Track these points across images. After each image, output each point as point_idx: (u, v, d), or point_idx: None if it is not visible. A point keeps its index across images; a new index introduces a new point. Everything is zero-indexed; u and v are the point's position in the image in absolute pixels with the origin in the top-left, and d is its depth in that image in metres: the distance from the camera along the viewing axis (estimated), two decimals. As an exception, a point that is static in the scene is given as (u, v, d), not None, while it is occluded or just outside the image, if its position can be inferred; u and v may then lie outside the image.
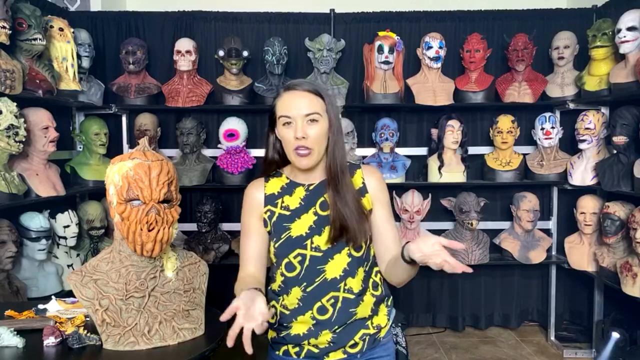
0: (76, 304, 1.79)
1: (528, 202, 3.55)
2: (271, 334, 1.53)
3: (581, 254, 3.39)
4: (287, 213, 1.48)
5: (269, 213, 1.50)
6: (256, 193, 1.54)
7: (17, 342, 1.52)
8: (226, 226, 3.82)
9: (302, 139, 1.40)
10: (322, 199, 1.47)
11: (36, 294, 2.74)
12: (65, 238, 2.98)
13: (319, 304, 1.44)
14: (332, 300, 1.44)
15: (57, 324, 1.62)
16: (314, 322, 1.44)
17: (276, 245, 1.48)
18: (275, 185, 1.53)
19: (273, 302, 1.51)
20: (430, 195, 3.61)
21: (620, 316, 3.22)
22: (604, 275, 3.16)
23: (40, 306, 1.80)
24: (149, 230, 1.46)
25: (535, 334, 3.95)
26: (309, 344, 1.46)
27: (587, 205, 3.29)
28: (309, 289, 1.44)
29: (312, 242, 1.45)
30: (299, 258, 1.45)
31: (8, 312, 1.75)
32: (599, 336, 3.30)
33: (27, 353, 1.50)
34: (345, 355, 1.46)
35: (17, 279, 2.63)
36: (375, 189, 1.51)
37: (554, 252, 3.78)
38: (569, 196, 3.61)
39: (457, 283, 4.00)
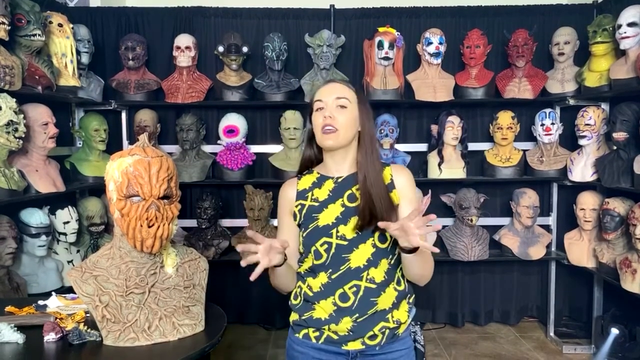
0: (76, 300, 1.79)
1: (528, 198, 3.56)
2: (293, 317, 1.57)
3: (581, 250, 3.39)
4: (316, 204, 1.55)
5: (299, 206, 1.57)
6: (289, 191, 1.61)
7: (18, 338, 1.52)
8: (226, 222, 3.82)
9: (329, 118, 1.49)
10: (349, 191, 1.54)
11: (36, 290, 2.74)
12: (65, 234, 2.98)
13: (340, 290, 1.48)
14: (354, 289, 1.48)
15: (58, 320, 1.63)
16: (335, 308, 1.48)
17: (304, 235, 1.53)
18: (307, 181, 1.61)
19: (299, 283, 1.57)
20: (430, 191, 3.60)
21: (620, 312, 3.23)
22: (603, 271, 3.17)
23: (41, 302, 1.81)
24: (149, 227, 1.46)
25: (534, 329, 3.96)
26: (329, 329, 1.49)
27: (587, 202, 3.29)
28: (334, 276, 1.49)
29: (337, 231, 1.50)
30: (325, 246, 1.50)
31: (8, 308, 1.75)
32: (598, 332, 3.31)
33: (27, 349, 1.50)
34: (364, 347, 1.49)
35: (17, 275, 2.63)
36: (403, 185, 1.57)
37: (553, 248, 3.79)
38: (569, 192, 3.61)
39: (456, 279, 4.01)
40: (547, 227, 3.80)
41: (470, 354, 3.51)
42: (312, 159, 1.64)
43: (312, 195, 1.57)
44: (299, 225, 1.57)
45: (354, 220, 1.48)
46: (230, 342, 3.61)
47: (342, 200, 1.53)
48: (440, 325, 4.01)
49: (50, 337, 1.52)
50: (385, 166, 1.58)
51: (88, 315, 1.66)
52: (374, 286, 1.48)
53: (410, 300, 1.58)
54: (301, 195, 1.58)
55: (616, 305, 3.29)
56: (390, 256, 1.51)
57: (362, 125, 1.55)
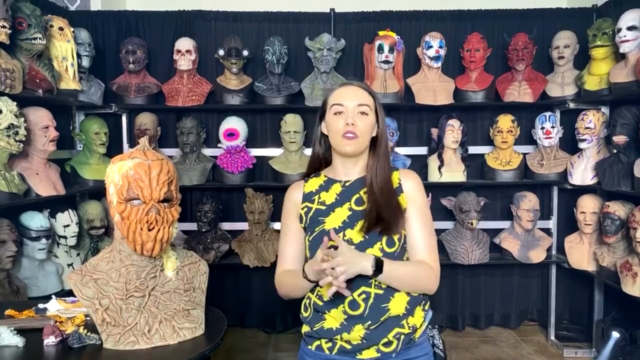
0: (76, 303, 1.79)
1: (528, 202, 3.55)
2: (305, 328, 1.55)
3: (581, 254, 3.39)
4: (323, 207, 1.53)
5: (305, 209, 1.55)
6: (295, 194, 1.59)
7: (17, 341, 1.52)
8: (226, 226, 3.82)
9: (351, 125, 1.47)
10: (357, 195, 1.52)
11: (36, 293, 2.74)
12: (65, 237, 2.98)
13: (350, 298, 1.44)
14: (364, 295, 1.44)
15: (57, 323, 1.63)
16: (346, 316, 1.45)
17: (310, 239, 1.52)
18: (314, 184, 1.59)
19: (308, 294, 1.54)
20: (430, 194, 3.60)
21: (620, 315, 3.22)
22: (604, 274, 3.16)
23: (41, 305, 1.80)
24: (149, 230, 1.46)
25: (535, 333, 3.95)
26: (341, 339, 1.46)
27: (587, 205, 3.29)
28: None
29: (344, 235, 1.47)
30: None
31: (8, 312, 1.75)
32: (599, 335, 3.30)
33: (27, 352, 1.50)
34: (379, 354, 1.45)
35: (17, 279, 2.63)
36: (411, 190, 1.56)
37: (554, 252, 3.78)
38: (569, 196, 3.61)
39: (457, 282, 4.00)
40: (547, 231, 3.80)
41: (471, 358, 3.50)
42: (321, 159, 1.63)
43: (319, 198, 1.55)
44: (304, 229, 1.55)
45: (360, 224, 1.47)
46: (230, 345, 3.60)
47: (350, 204, 1.51)
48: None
49: (50, 341, 1.52)
50: (393, 170, 1.57)
51: (88, 318, 1.66)
52: (381, 291, 1.45)
53: (426, 307, 1.56)
54: (307, 197, 1.57)
55: (617, 309, 3.29)
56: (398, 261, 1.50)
57: (379, 131, 1.54)
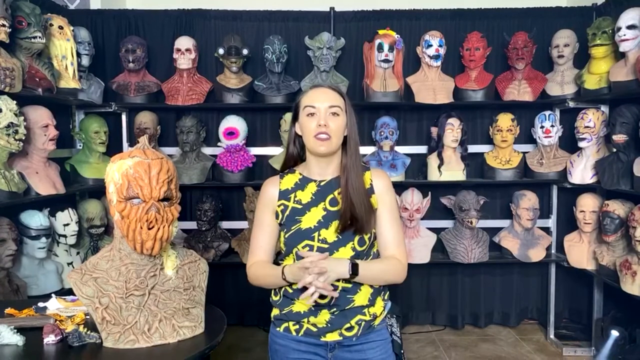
0: (76, 302, 1.79)
1: (528, 201, 3.56)
2: (274, 312, 1.64)
3: (581, 252, 3.39)
4: (299, 207, 1.59)
5: (282, 207, 1.61)
6: (271, 189, 1.64)
7: (17, 340, 1.52)
8: (226, 224, 3.82)
9: (323, 127, 1.53)
10: (331, 195, 1.59)
11: (36, 292, 2.74)
12: (65, 236, 2.98)
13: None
14: (332, 287, 1.50)
15: (57, 322, 1.63)
16: (314, 303, 1.52)
17: (286, 236, 1.59)
18: (289, 181, 1.64)
19: None
20: (430, 193, 3.61)
21: (620, 314, 3.22)
22: (603, 273, 3.17)
23: (40, 304, 1.80)
24: (149, 229, 1.46)
25: (534, 332, 3.96)
26: (308, 322, 1.56)
27: (587, 204, 3.29)
28: None
29: (319, 235, 1.55)
30: (307, 248, 1.55)
31: (8, 310, 1.75)
32: (598, 334, 3.31)
33: (27, 351, 1.50)
34: (341, 338, 1.57)
35: (17, 277, 2.64)
36: (382, 191, 1.62)
37: (553, 251, 3.79)
38: (569, 194, 3.61)
39: (456, 281, 4.00)
40: (547, 230, 3.80)
41: (471, 356, 3.50)
42: (296, 158, 1.68)
43: (295, 196, 1.60)
44: (280, 225, 1.61)
45: (335, 224, 1.54)
46: (230, 344, 3.61)
47: (324, 204, 1.58)
48: (440, 327, 4.01)
49: (50, 339, 1.52)
50: (365, 170, 1.62)
51: (88, 317, 1.66)
52: (350, 285, 1.55)
53: (385, 297, 1.66)
54: (284, 195, 1.62)
55: (616, 308, 3.29)
56: (366, 258, 1.59)
57: (348, 130, 1.59)
